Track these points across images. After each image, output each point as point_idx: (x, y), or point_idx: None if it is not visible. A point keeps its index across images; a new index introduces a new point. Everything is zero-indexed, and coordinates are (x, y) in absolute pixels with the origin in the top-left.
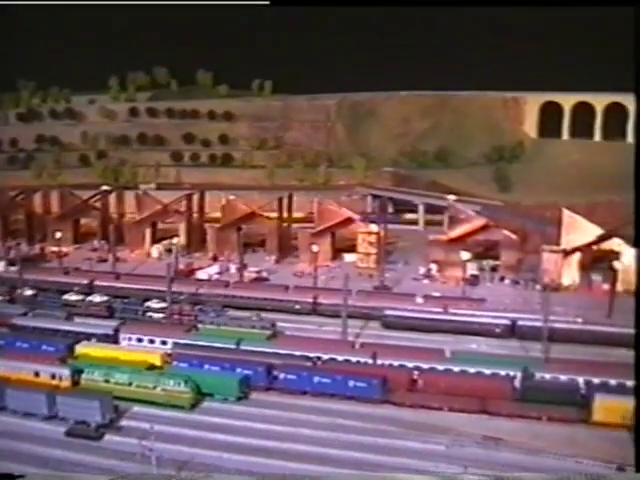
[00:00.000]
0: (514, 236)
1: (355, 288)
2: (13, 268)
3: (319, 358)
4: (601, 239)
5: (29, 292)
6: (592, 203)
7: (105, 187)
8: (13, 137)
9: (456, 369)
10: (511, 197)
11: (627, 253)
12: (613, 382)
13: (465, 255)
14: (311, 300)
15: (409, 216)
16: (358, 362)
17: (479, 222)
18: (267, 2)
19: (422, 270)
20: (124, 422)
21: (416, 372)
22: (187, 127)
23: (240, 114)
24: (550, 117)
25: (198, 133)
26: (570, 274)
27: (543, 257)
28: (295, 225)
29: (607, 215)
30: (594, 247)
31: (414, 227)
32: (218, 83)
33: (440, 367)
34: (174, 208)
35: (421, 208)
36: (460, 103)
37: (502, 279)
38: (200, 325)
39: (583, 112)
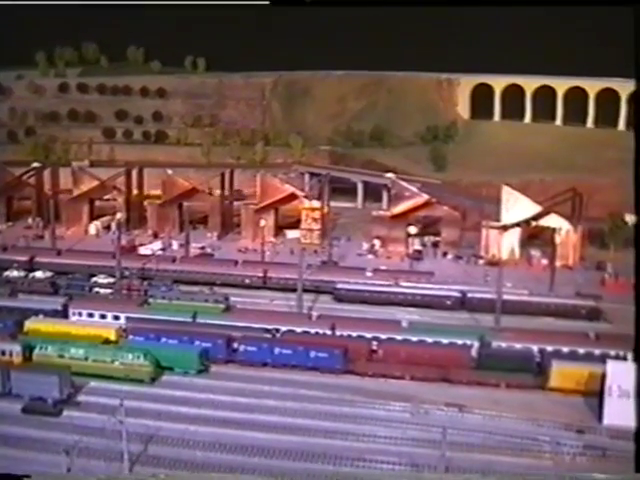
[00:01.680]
0: (455, 212)
1: (303, 263)
2: None
3: (277, 330)
4: (539, 215)
5: None
6: (525, 181)
7: (36, 164)
8: None
9: (414, 339)
10: (446, 176)
11: (563, 229)
12: (566, 350)
13: (413, 229)
14: (261, 274)
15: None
16: (317, 333)
17: (421, 199)
18: (267, 2)
19: (365, 246)
20: (82, 397)
21: (375, 342)
22: (119, 104)
23: (174, 91)
24: (482, 99)
25: (131, 110)
26: (510, 249)
27: (483, 233)
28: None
29: (540, 193)
30: (532, 223)
31: (353, 205)
32: (149, 60)
33: (398, 337)
34: (112, 184)
35: (360, 186)
36: (395, 83)
37: (445, 254)
38: (151, 300)
39: (513, 94)
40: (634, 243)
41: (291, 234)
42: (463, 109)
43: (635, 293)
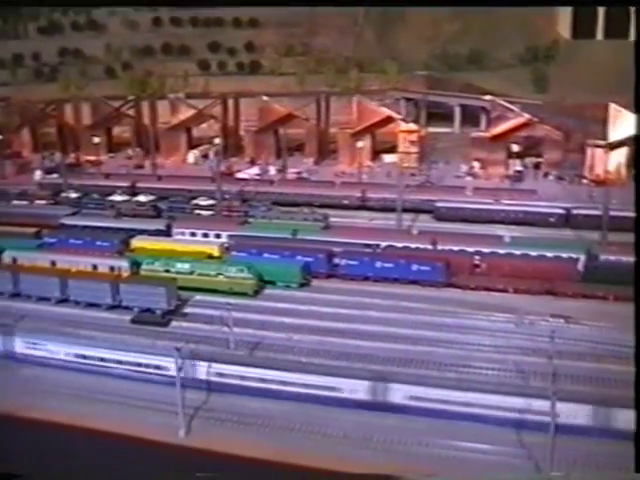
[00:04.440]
0: (558, 132)
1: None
2: (51, 176)
3: (377, 246)
4: None
5: (73, 195)
6: (630, 100)
7: (132, 97)
8: (35, 51)
9: (517, 253)
10: (548, 98)
11: None
12: None
13: (515, 147)
14: (359, 194)
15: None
16: (417, 248)
17: (522, 119)
18: None
19: (464, 168)
20: (188, 309)
21: (477, 256)
22: (212, 35)
23: (266, 21)
24: (583, 17)
25: (224, 41)
26: (617, 168)
27: (588, 152)
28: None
29: None
30: None
31: (450, 129)
32: None
33: (501, 251)
34: (209, 113)
35: (457, 109)
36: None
37: (546, 175)
38: (252, 219)
39: (616, 11)
40: (634, 243)
41: (388, 158)
42: (564, 28)
43: (635, 292)
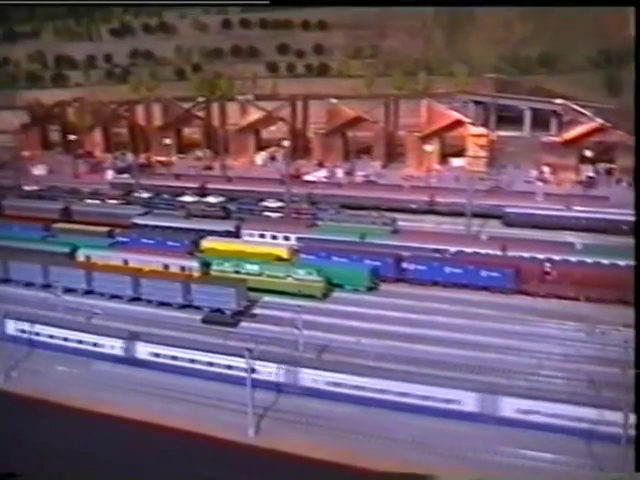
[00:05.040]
0: (631, 137)
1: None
2: (122, 176)
3: (446, 251)
4: None
5: (145, 195)
6: None
7: (202, 99)
8: (107, 52)
9: (589, 261)
10: (622, 102)
11: None
12: None
13: (588, 153)
14: (428, 198)
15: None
16: (487, 254)
17: (594, 123)
18: (267, 2)
19: (534, 173)
20: (257, 310)
21: (548, 263)
22: (281, 38)
23: (334, 23)
24: None
25: (292, 43)
26: None
27: None
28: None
29: None
30: None
31: (520, 133)
32: None
33: (572, 259)
34: (277, 115)
35: (527, 113)
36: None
37: (619, 181)
38: (320, 222)
39: None
40: (634, 243)
41: (457, 162)
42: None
43: (635, 292)
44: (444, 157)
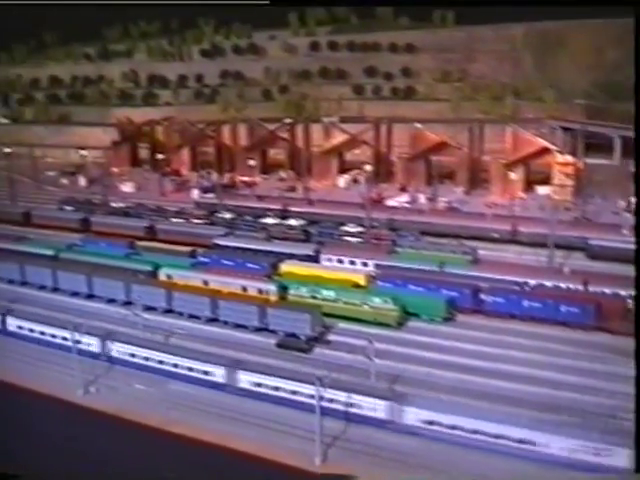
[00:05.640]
0: None
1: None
2: (207, 195)
3: (526, 283)
4: None
5: (228, 216)
6: None
7: (288, 120)
8: (198, 73)
9: None
10: None
11: None
12: None
13: None
14: (510, 228)
15: None
16: (568, 288)
17: None
18: (267, 2)
19: (622, 204)
20: (332, 337)
21: (631, 301)
22: (369, 60)
23: (422, 46)
24: None
25: (380, 66)
26: None
27: None
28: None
29: None
30: None
31: (609, 161)
32: (398, 15)
33: None
34: (361, 139)
35: (618, 141)
36: None
37: None
38: (399, 249)
39: None
40: (634, 243)
41: (542, 190)
42: None
43: (635, 293)
44: (529, 185)
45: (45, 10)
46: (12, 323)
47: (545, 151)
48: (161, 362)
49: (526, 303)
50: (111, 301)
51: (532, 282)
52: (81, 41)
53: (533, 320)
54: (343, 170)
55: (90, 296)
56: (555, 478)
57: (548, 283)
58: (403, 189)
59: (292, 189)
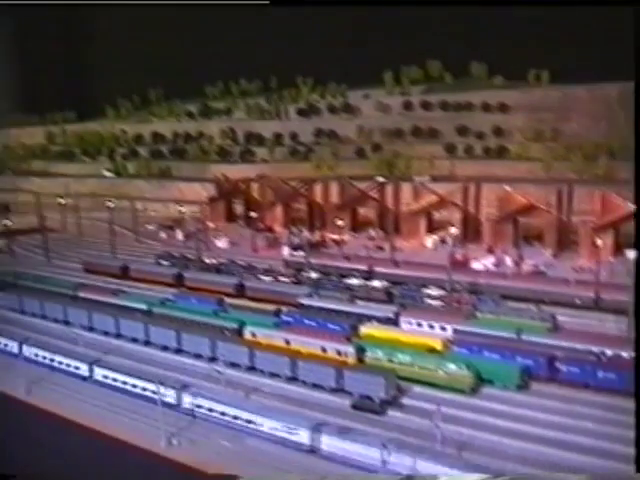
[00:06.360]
0: None
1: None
2: (296, 253)
3: (603, 353)
4: None
5: (314, 275)
6: None
7: (380, 178)
8: (293, 131)
9: None
10: None
11: None
12: None
13: None
14: (593, 295)
15: None
16: None
17: None
18: (267, 2)
19: None
20: (405, 400)
21: None
22: (461, 119)
23: (515, 105)
24: None
25: (472, 125)
26: None
27: None
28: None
29: None
30: None
31: None
32: (492, 75)
33: None
34: (450, 200)
35: None
36: None
37: None
38: (479, 314)
39: None
40: (634, 243)
41: (631, 254)
42: None
43: (635, 293)
44: (619, 249)
45: (150, 66)
46: (99, 372)
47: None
48: (236, 417)
49: (601, 373)
50: (198, 356)
51: (609, 352)
52: (183, 98)
53: (609, 391)
54: (431, 229)
55: (178, 350)
56: (555, 478)
57: (624, 354)
58: (490, 250)
59: (380, 248)
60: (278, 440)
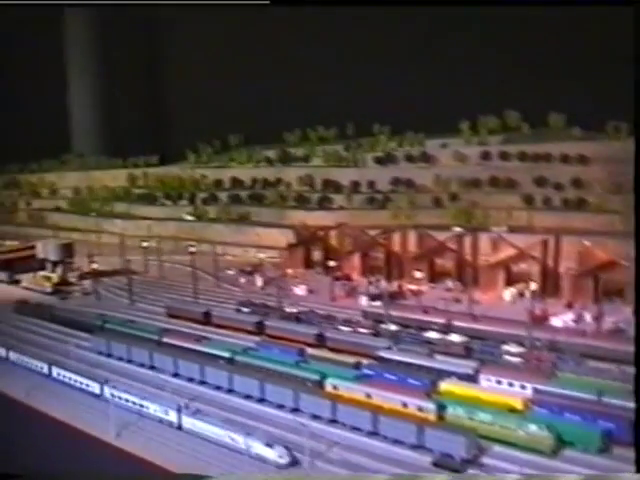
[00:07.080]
0: None
1: None
2: (374, 303)
3: None
4: None
5: (393, 327)
6: None
7: (458, 229)
8: (371, 179)
9: None
10: None
11: None
12: None
13: None
14: None
15: None
16: None
17: None
18: (267, 2)
19: None
20: (486, 459)
21: None
22: (539, 170)
23: (594, 157)
24: None
25: (550, 176)
26: None
27: None
28: None
29: None
30: None
31: None
32: (570, 125)
33: None
34: (529, 253)
35: None
36: None
37: None
38: (559, 373)
39: None
40: (634, 242)
41: None
42: None
43: (635, 293)
44: None
45: (231, 112)
46: (188, 421)
47: None
48: None
49: None
50: (280, 407)
51: None
52: (262, 144)
53: None
54: (509, 282)
55: (261, 400)
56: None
57: None
58: (569, 306)
59: (458, 300)
60: None
